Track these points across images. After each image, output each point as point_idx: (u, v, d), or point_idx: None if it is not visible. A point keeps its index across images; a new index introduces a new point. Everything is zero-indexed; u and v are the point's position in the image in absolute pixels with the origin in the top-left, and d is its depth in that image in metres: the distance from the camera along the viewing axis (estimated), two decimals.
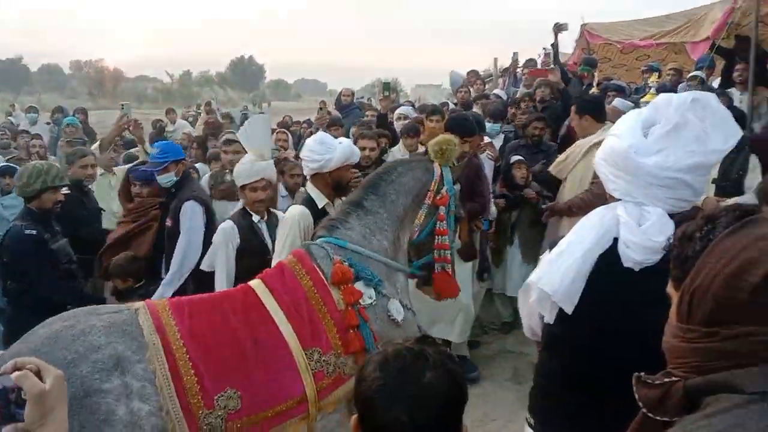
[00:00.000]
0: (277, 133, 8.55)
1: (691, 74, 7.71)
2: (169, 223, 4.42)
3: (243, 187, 3.97)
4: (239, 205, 4.24)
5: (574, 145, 5.09)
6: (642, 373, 1.20)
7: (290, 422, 2.53)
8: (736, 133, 2.12)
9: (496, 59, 12.56)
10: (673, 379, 1.14)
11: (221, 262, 3.85)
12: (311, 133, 8.38)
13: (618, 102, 6.23)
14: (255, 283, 2.79)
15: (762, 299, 1.04)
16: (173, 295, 3.77)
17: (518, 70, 10.79)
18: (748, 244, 1.08)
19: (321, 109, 16.54)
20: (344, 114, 9.52)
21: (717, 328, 1.08)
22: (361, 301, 2.76)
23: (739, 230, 1.11)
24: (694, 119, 2.09)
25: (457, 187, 3.29)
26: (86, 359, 2.28)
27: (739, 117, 5.27)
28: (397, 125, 7.12)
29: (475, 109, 7.93)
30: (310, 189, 3.84)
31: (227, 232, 3.89)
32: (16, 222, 4.25)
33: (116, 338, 2.38)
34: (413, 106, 10.20)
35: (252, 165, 3.91)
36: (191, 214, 4.33)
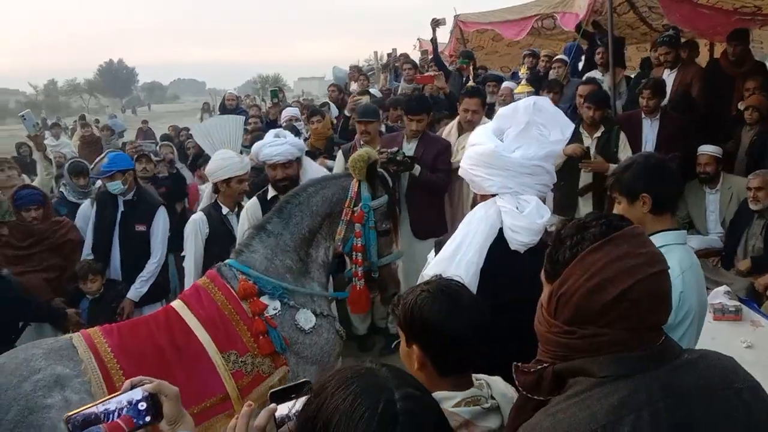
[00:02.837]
0: (163, 146, 8.38)
1: (556, 58, 8.27)
2: (143, 228, 4.84)
3: (229, 179, 4.31)
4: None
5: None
6: (519, 363, 1.41)
7: (217, 418, 2.78)
8: (568, 126, 2.63)
9: (376, 52, 12.86)
10: (544, 365, 1.34)
11: (190, 250, 4.20)
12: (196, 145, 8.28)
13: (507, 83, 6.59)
14: (176, 304, 3.06)
15: (611, 311, 1.25)
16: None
17: (397, 65, 11.06)
18: (607, 264, 1.26)
19: (204, 110, 16.18)
20: None
21: (575, 327, 1.28)
22: (266, 312, 3.02)
23: (603, 247, 1.28)
24: (536, 119, 2.54)
25: (382, 200, 3.32)
26: (29, 380, 2.53)
27: (606, 98, 5.77)
28: (286, 127, 7.17)
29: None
30: None
31: (197, 222, 4.23)
32: None
33: (55, 361, 2.64)
34: (300, 102, 10.22)
35: (241, 159, 4.36)
36: (163, 219, 4.90)
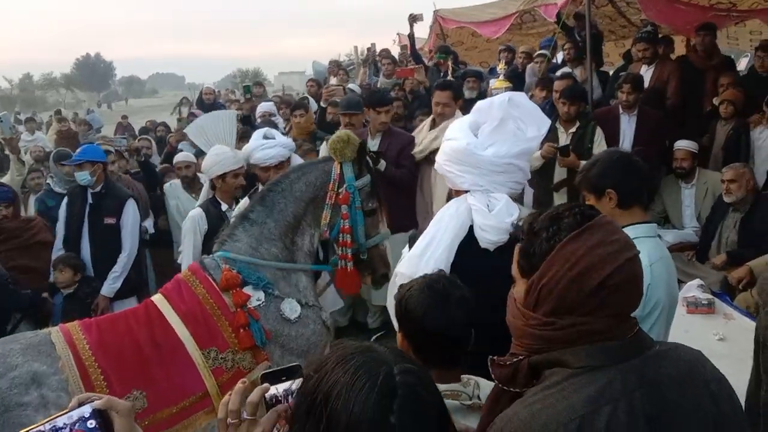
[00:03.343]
0: (140, 140, 8.28)
1: (538, 53, 8.29)
2: (112, 221, 4.79)
3: (224, 175, 4.28)
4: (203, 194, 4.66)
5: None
6: (495, 357, 1.42)
7: (196, 416, 2.77)
8: (545, 122, 2.66)
9: (356, 47, 12.83)
10: (520, 357, 1.35)
11: (188, 246, 4.16)
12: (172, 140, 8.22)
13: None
14: (156, 298, 3.02)
15: (593, 298, 1.26)
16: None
17: (377, 60, 11.04)
18: (587, 252, 1.27)
19: (182, 104, 16.01)
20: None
21: (554, 318, 1.29)
22: (249, 303, 2.96)
23: (581, 236, 1.29)
24: (511, 116, 2.55)
25: (365, 179, 3.30)
26: (5, 377, 2.50)
27: (583, 93, 5.80)
28: (263, 123, 7.12)
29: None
30: None
31: (195, 219, 4.20)
32: None
33: (32, 357, 2.61)
34: (280, 97, 10.17)
35: (235, 153, 4.32)
36: (133, 212, 4.86)
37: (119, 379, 2.67)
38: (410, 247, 2.64)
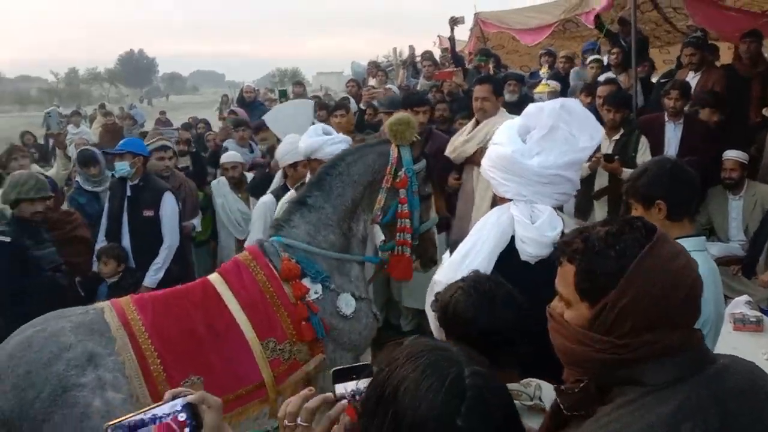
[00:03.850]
0: (181, 132, 8.38)
1: (592, 58, 8.07)
2: (150, 213, 4.82)
3: (296, 164, 4.33)
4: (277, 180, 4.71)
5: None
6: (562, 386, 1.35)
7: (251, 404, 2.79)
8: (599, 131, 2.56)
9: (395, 48, 12.78)
10: (585, 381, 1.29)
11: (257, 232, 4.20)
12: (216, 139, 8.27)
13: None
14: (214, 278, 2.99)
15: (680, 312, 1.23)
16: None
17: (416, 61, 11.00)
18: (665, 266, 1.23)
19: (223, 102, 16.17)
20: (248, 111, 9.35)
21: (629, 339, 1.22)
22: (308, 296, 2.94)
23: (653, 250, 1.23)
24: (563, 123, 2.45)
25: (421, 164, 3.21)
26: (60, 358, 2.48)
27: (627, 99, 5.67)
28: None
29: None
30: None
31: (267, 205, 4.30)
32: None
33: (85, 336, 2.59)
34: (319, 97, 10.20)
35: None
36: (171, 204, 4.88)
37: (176, 364, 2.69)
38: (451, 253, 2.59)
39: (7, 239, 4.21)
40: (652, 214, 2.33)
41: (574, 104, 2.53)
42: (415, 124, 3.20)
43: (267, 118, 5.16)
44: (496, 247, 2.43)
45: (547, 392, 1.76)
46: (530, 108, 2.60)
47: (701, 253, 2.32)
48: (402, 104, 5.27)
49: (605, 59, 7.98)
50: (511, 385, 1.72)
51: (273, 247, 3.02)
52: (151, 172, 5.13)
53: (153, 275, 4.78)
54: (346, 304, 3.03)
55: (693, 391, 1.20)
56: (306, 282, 2.96)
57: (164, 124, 14.25)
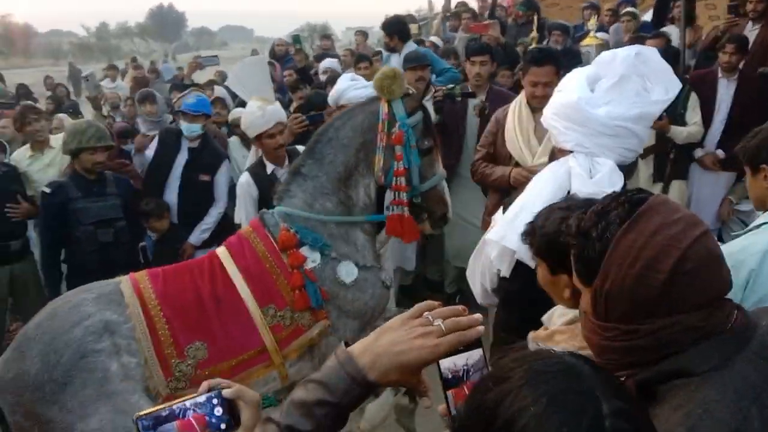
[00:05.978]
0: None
1: (625, 11, 7.78)
2: (207, 178, 4.81)
3: (259, 136, 4.02)
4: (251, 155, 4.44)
5: None
6: None
7: (255, 369, 2.83)
8: (676, 85, 2.35)
9: (430, 1, 12.40)
10: (621, 378, 1.14)
11: (242, 213, 4.05)
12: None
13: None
14: (221, 251, 3.03)
15: (670, 292, 1.09)
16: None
17: (456, 11, 10.65)
18: (646, 241, 1.11)
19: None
20: (281, 65, 9.20)
21: (636, 325, 1.13)
22: (305, 264, 2.92)
23: (635, 225, 1.13)
24: (637, 74, 2.26)
25: (417, 116, 3.05)
26: (79, 326, 2.61)
27: (675, 55, 5.42)
28: (323, 78, 6.99)
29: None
30: None
31: (244, 186, 4.05)
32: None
33: (104, 306, 2.72)
34: (351, 51, 9.98)
35: (263, 112, 3.93)
36: (226, 171, 4.91)
37: (182, 329, 2.78)
38: (504, 211, 2.47)
39: (48, 190, 4.22)
40: (758, 180, 2.18)
41: (651, 53, 2.34)
42: (402, 76, 3.03)
43: (229, 81, 4.84)
44: (551, 202, 2.28)
45: None
46: (603, 55, 2.42)
47: None
48: (466, 54, 5.08)
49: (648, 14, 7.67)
50: None
51: (273, 218, 3.02)
52: (209, 133, 5.06)
53: (200, 234, 4.81)
54: (347, 272, 2.98)
55: (748, 367, 1.10)
56: (304, 250, 2.95)
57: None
